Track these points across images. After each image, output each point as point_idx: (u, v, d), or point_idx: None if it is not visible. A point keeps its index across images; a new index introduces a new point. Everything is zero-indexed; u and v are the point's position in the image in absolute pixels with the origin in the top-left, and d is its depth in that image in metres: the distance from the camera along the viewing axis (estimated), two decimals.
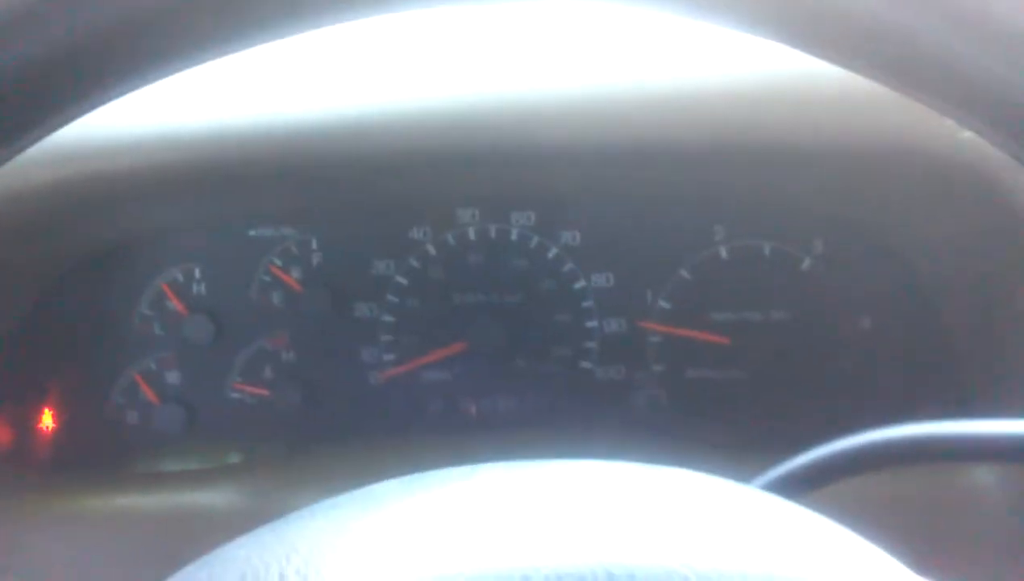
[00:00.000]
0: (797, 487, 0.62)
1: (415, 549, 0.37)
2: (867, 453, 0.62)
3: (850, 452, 0.63)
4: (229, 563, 0.39)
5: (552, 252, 1.07)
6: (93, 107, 0.42)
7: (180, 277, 1.07)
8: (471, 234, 1.07)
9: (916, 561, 0.42)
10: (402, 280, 1.08)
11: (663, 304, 1.08)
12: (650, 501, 0.41)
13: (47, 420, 1.08)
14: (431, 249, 1.07)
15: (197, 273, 1.07)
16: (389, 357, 1.09)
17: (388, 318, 1.08)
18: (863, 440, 0.63)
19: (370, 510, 0.41)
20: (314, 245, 1.07)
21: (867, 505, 0.67)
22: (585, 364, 1.09)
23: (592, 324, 1.08)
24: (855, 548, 0.40)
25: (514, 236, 1.07)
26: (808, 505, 0.43)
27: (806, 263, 1.06)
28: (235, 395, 1.09)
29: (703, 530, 0.38)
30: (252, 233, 1.07)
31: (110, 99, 0.42)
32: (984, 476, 0.99)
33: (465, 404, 1.10)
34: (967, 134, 0.85)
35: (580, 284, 1.08)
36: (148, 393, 1.08)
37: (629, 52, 0.94)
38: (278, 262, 1.07)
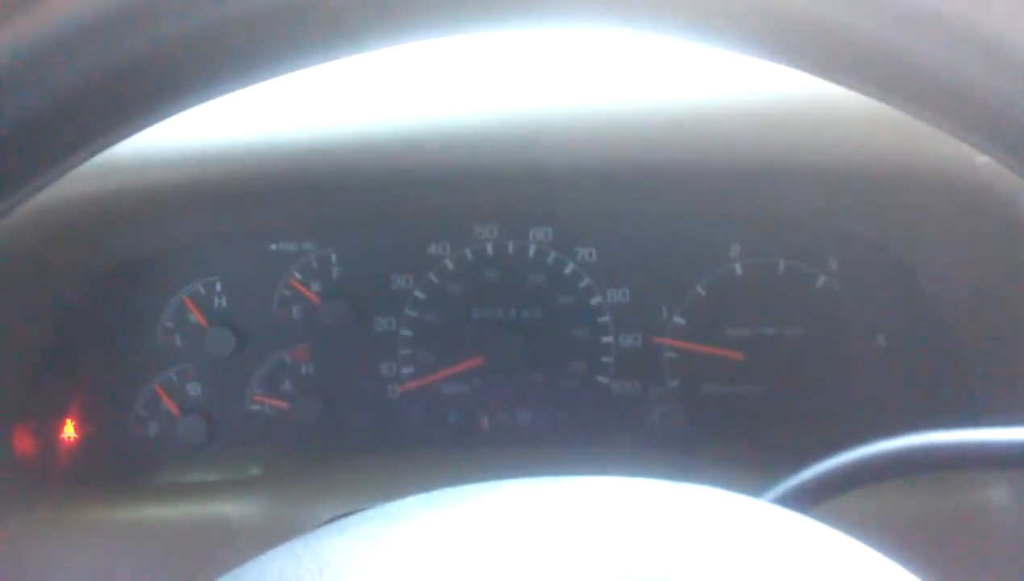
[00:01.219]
0: (807, 500, 0.63)
1: (444, 563, 0.38)
2: (874, 464, 0.63)
3: (858, 463, 0.63)
4: (263, 575, 0.40)
5: (569, 268, 1.08)
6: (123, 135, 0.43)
7: (202, 290, 1.08)
8: (489, 250, 1.08)
9: (928, 574, 0.43)
10: (421, 295, 1.09)
11: (678, 320, 1.09)
12: (671, 518, 0.42)
13: (69, 431, 1.09)
14: (449, 264, 1.08)
15: (218, 286, 1.08)
16: (407, 371, 1.10)
17: (407, 332, 1.09)
18: (870, 451, 0.63)
19: (400, 524, 0.42)
20: (334, 259, 1.08)
21: (880, 520, 0.68)
22: (601, 379, 1.10)
23: (608, 339, 1.09)
24: (869, 561, 0.41)
25: (532, 252, 1.08)
26: (823, 519, 0.44)
27: (820, 280, 1.07)
28: (255, 407, 1.10)
29: (721, 547, 0.39)
30: (273, 247, 1.08)
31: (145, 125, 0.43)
32: (996, 490, 1.00)
33: (482, 418, 1.11)
34: (984, 158, 0.85)
35: (596, 300, 1.09)
36: (169, 405, 1.10)
37: (647, 72, 0.95)
38: (298, 276, 1.08)
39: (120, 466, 1.10)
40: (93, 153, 0.42)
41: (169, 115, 0.42)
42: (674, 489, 0.45)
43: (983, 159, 0.88)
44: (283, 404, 1.10)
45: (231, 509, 1.02)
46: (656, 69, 0.95)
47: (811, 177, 0.96)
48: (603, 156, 0.95)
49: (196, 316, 1.08)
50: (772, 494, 0.63)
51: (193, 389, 1.10)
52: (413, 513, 0.44)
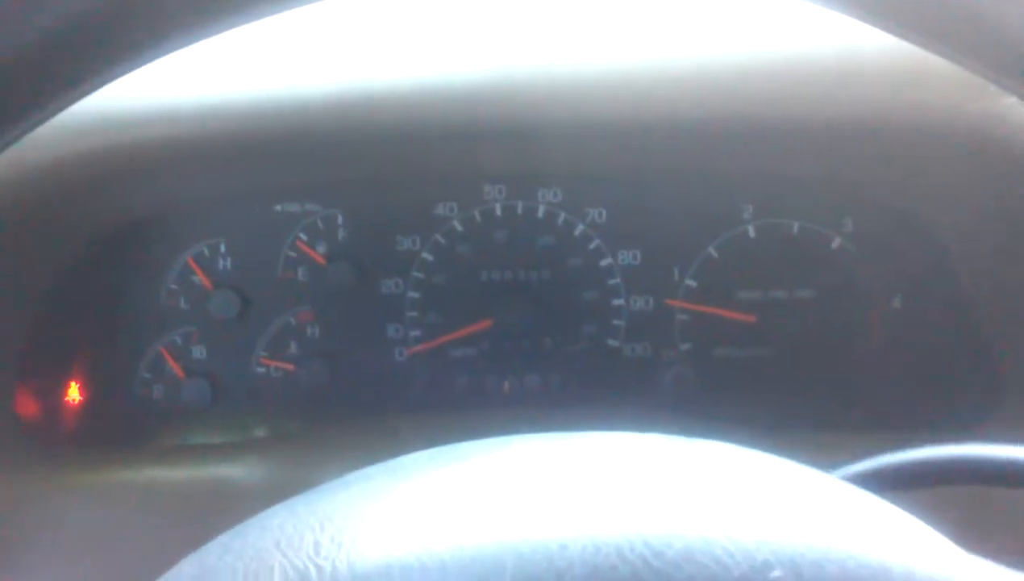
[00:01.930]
0: (882, 485, 0.60)
1: (450, 518, 0.37)
2: (967, 464, 0.60)
3: (943, 461, 0.60)
4: (264, 531, 0.39)
5: (579, 229, 1.06)
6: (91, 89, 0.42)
7: (206, 252, 1.07)
8: (498, 210, 1.07)
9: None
10: (428, 256, 1.07)
11: (690, 282, 1.07)
12: (687, 473, 0.40)
13: (74, 393, 1.08)
14: (457, 225, 1.07)
15: (223, 248, 1.07)
16: (415, 333, 1.09)
17: (414, 294, 1.08)
18: (964, 451, 0.60)
19: (404, 480, 0.41)
20: (340, 220, 1.07)
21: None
22: (612, 342, 1.08)
23: (619, 302, 1.08)
24: (897, 522, 0.39)
25: (541, 213, 1.06)
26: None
27: (835, 242, 1.05)
28: (260, 370, 1.09)
29: (742, 502, 0.38)
30: (278, 208, 1.06)
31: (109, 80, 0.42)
32: None
33: (492, 381, 1.09)
34: (1010, 100, 0.83)
35: (607, 262, 1.07)
36: (174, 367, 1.08)
37: (659, 27, 0.93)
38: (304, 237, 1.07)
39: (124, 428, 1.09)
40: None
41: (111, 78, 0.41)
42: (694, 445, 0.44)
43: (1009, 100, 0.85)
44: (289, 367, 1.09)
45: (236, 472, 1.01)
46: (669, 24, 0.93)
47: (826, 135, 0.94)
48: (614, 115, 0.93)
49: (200, 278, 1.07)
50: (843, 472, 0.61)
51: (198, 351, 1.09)
52: (416, 469, 0.42)
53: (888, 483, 0.60)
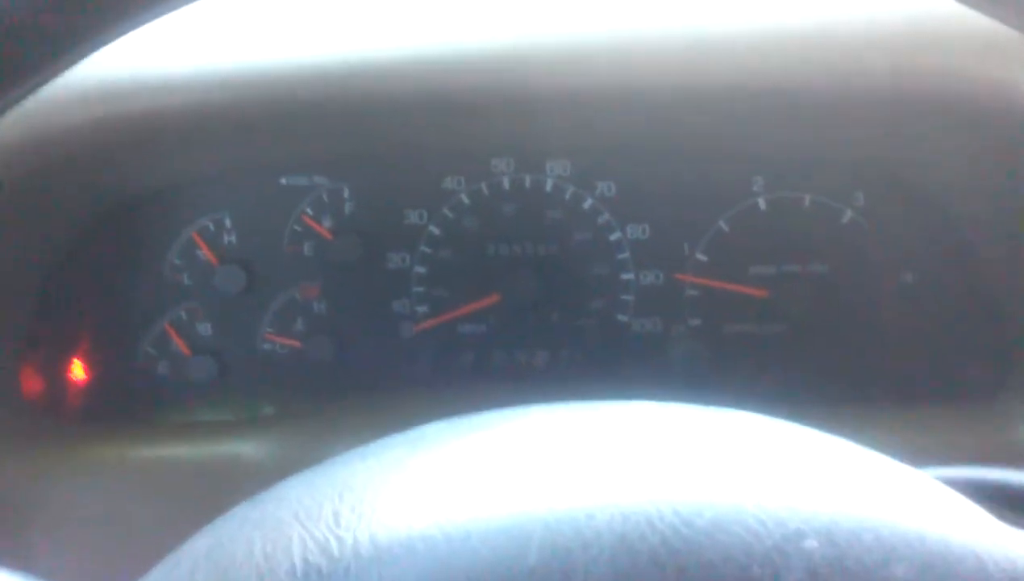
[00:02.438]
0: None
1: (473, 488, 0.36)
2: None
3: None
4: (282, 502, 0.38)
5: (588, 203, 1.05)
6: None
7: (211, 226, 1.06)
8: (505, 184, 1.05)
9: None
10: (435, 230, 1.06)
11: (700, 257, 1.06)
12: (715, 441, 0.39)
13: (78, 370, 1.07)
14: (465, 199, 1.06)
15: (228, 222, 1.06)
16: (422, 309, 1.08)
17: (421, 269, 1.07)
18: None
19: (425, 450, 0.40)
20: (346, 194, 1.05)
21: None
22: (621, 317, 1.07)
23: (628, 276, 1.07)
24: (931, 491, 0.39)
25: (549, 186, 1.05)
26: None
27: (847, 215, 1.04)
28: (266, 346, 1.08)
29: (773, 470, 0.37)
30: (283, 181, 1.05)
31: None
32: None
33: (499, 357, 1.09)
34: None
35: (616, 236, 1.06)
36: (179, 343, 1.08)
37: None
38: (310, 211, 1.05)
39: (130, 406, 1.09)
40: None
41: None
42: (721, 414, 0.43)
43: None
44: (295, 343, 1.08)
45: (243, 449, 1.01)
46: None
47: (838, 105, 0.93)
48: (623, 86, 0.92)
49: (206, 253, 1.06)
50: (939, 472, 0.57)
51: (203, 328, 1.08)
52: (436, 438, 0.41)
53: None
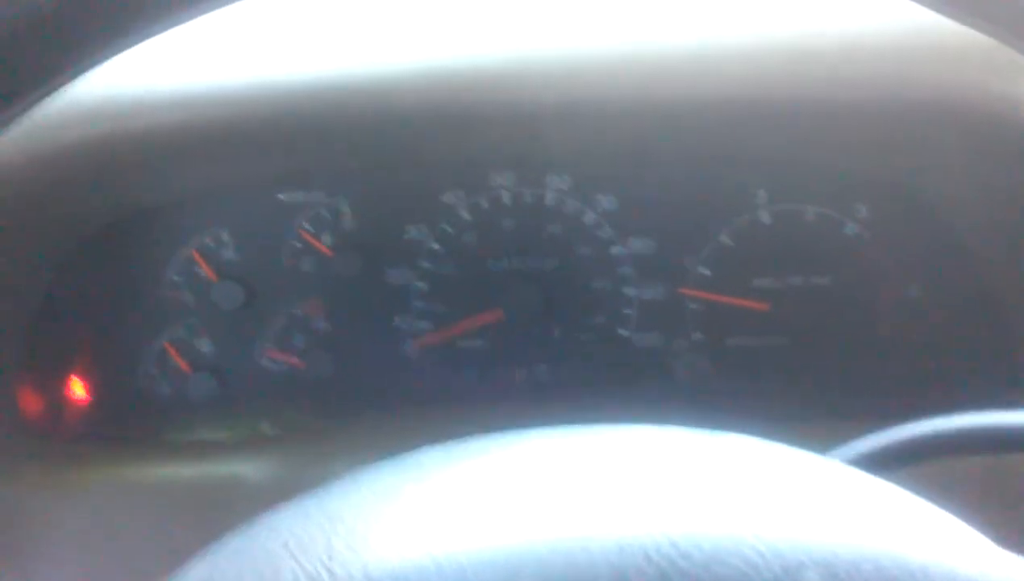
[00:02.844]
0: (876, 465, 0.59)
1: (467, 518, 0.35)
2: (953, 437, 0.58)
3: (942, 434, 0.59)
4: (272, 532, 0.37)
5: (588, 217, 1.05)
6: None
7: (210, 242, 1.05)
8: (505, 198, 1.05)
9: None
10: (435, 246, 1.05)
11: (703, 270, 1.05)
12: (713, 468, 0.39)
13: (77, 388, 1.07)
14: (465, 214, 1.05)
15: (227, 238, 1.05)
16: (423, 325, 1.07)
17: (421, 285, 1.06)
18: (950, 423, 0.59)
19: (418, 477, 0.39)
20: (345, 209, 1.05)
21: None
22: (623, 332, 1.07)
23: (630, 291, 1.06)
24: (932, 518, 0.38)
25: (549, 200, 1.05)
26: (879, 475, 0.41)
27: (850, 228, 1.04)
28: (267, 363, 1.08)
29: (771, 499, 0.36)
30: (282, 197, 1.05)
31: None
32: None
33: (501, 372, 1.08)
34: None
35: (617, 250, 1.05)
36: (179, 361, 1.07)
37: (668, 8, 0.91)
38: (309, 227, 1.05)
39: (129, 424, 1.08)
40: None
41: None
42: (718, 439, 0.42)
43: None
44: (295, 360, 1.08)
45: (244, 468, 1.00)
46: (679, 5, 0.91)
47: (841, 117, 0.92)
48: (624, 98, 0.91)
49: (205, 269, 1.06)
50: (838, 453, 0.60)
51: (203, 345, 1.08)
52: (429, 465, 0.41)
53: (893, 460, 0.58)
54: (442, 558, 0.33)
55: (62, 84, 0.41)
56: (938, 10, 0.42)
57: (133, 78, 0.89)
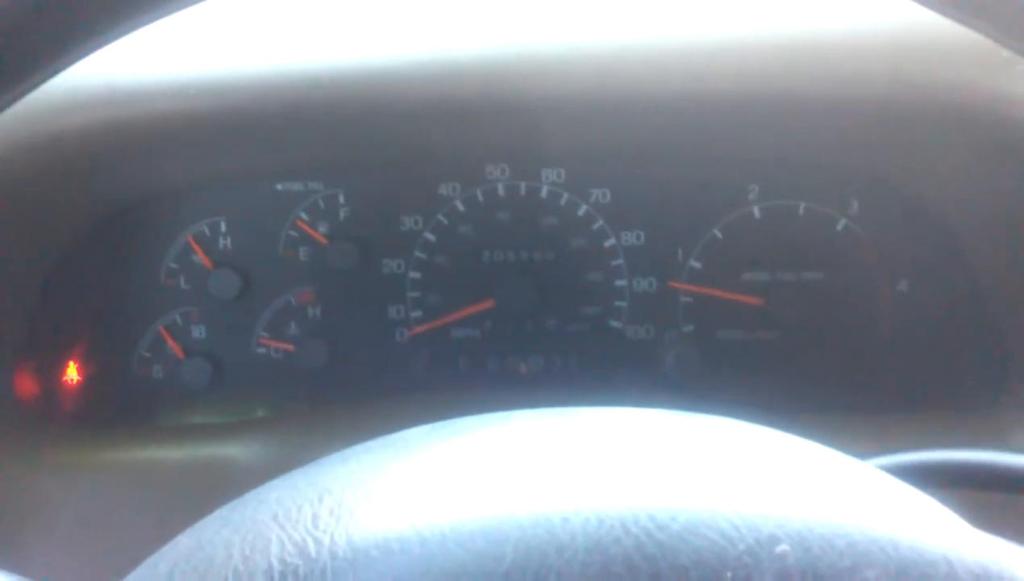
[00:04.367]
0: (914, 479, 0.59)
1: (450, 491, 0.36)
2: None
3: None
4: (261, 504, 0.38)
5: (582, 210, 1.06)
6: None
7: (206, 230, 1.06)
8: (500, 190, 1.06)
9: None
10: (430, 236, 1.06)
11: (694, 264, 1.06)
12: (691, 446, 0.40)
13: (72, 373, 1.07)
14: (460, 205, 1.06)
15: (223, 227, 1.06)
16: (416, 314, 1.08)
17: (416, 275, 1.07)
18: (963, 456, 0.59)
19: (403, 453, 0.40)
20: (341, 200, 1.06)
21: None
22: (615, 323, 1.08)
23: (622, 283, 1.07)
24: (903, 496, 0.39)
25: (544, 193, 1.05)
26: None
27: (841, 223, 1.04)
28: (260, 350, 1.09)
29: (747, 475, 0.37)
30: (279, 187, 1.05)
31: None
32: None
33: (493, 362, 1.09)
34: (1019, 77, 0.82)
35: (610, 242, 1.06)
36: (174, 347, 1.08)
37: (663, 3, 0.91)
38: (305, 216, 1.06)
39: (124, 408, 1.09)
40: None
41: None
42: (699, 420, 0.43)
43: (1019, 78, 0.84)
44: (289, 347, 1.08)
45: (236, 452, 1.01)
46: (673, 1, 0.92)
47: (833, 114, 0.93)
48: (618, 93, 0.92)
49: (201, 257, 1.06)
50: (878, 461, 0.60)
51: (198, 331, 1.08)
52: (416, 443, 0.42)
53: (921, 480, 0.58)
54: (424, 527, 0.34)
55: (55, 72, 0.41)
56: (937, 10, 0.43)
57: (133, 67, 0.89)
